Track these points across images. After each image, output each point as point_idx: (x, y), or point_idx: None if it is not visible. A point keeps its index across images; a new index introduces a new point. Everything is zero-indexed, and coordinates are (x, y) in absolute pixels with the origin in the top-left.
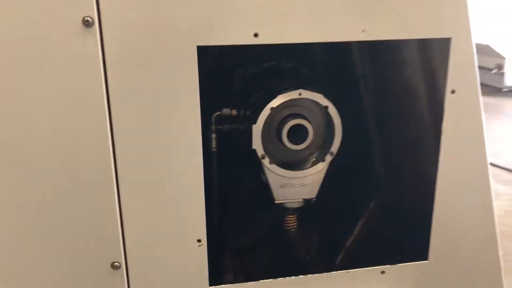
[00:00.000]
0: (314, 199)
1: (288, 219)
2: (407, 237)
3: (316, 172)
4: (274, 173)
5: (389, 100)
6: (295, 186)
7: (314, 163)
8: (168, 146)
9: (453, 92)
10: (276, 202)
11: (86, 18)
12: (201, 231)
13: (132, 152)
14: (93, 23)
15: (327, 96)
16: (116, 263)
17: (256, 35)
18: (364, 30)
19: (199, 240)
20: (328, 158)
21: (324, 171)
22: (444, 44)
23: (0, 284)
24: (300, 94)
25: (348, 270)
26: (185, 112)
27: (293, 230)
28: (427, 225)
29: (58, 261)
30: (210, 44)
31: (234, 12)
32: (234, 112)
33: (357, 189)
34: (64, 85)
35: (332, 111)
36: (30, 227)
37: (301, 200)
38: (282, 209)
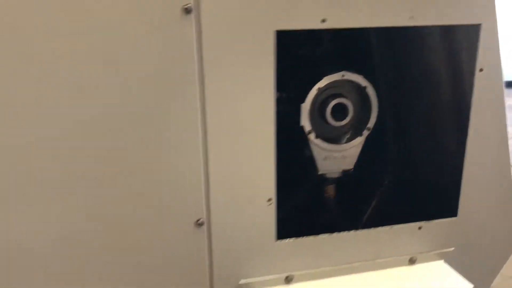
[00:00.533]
0: (352, 170)
1: (328, 188)
2: (440, 195)
3: (354, 146)
4: (318, 147)
5: (420, 81)
6: (336, 158)
7: (352, 138)
8: (247, 122)
9: (481, 70)
10: (319, 173)
11: (185, 6)
12: (271, 192)
13: (220, 126)
14: (192, 10)
15: (366, 77)
16: (200, 220)
17: (323, 20)
18: (412, 16)
19: (269, 200)
20: (365, 133)
21: (361, 145)
22: (473, 29)
23: (91, 239)
24: (343, 75)
25: (392, 226)
26: (263, 91)
27: (332, 198)
28: (457, 184)
29: (149, 218)
30: (286, 29)
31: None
32: (283, 93)
33: (391, 159)
34: (163, 66)
35: (370, 91)
36: (124, 187)
37: (341, 171)
38: (324, 179)
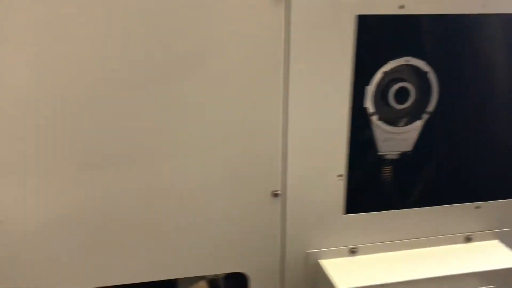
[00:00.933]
0: (410, 152)
1: (385, 169)
2: (497, 177)
3: (414, 129)
4: (379, 129)
5: (482, 70)
6: (396, 140)
7: (412, 121)
8: (326, 100)
9: None
10: (379, 153)
11: None
12: (342, 168)
13: (300, 105)
14: None
15: (429, 63)
16: (276, 192)
17: (401, 6)
18: (484, 4)
19: (339, 175)
20: (425, 116)
21: (420, 128)
22: None
23: (175, 207)
24: (407, 61)
25: (451, 205)
26: (341, 72)
27: (388, 179)
28: None
29: (230, 188)
30: (366, 13)
31: None
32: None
33: (449, 142)
34: (255, 47)
35: (432, 76)
36: (211, 159)
37: (400, 152)
38: (383, 160)
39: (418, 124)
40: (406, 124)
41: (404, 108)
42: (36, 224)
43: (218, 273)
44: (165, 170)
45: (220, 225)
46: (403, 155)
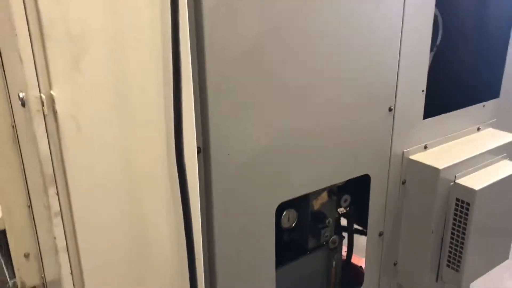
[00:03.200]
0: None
1: None
2: (485, 81)
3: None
4: None
5: (477, 16)
6: None
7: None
8: None
9: None
10: None
11: None
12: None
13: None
14: None
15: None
16: (391, 107)
17: None
18: None
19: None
20: (434, 49)
21: (431, 59)
22: None
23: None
24: None
25: (469, 106)
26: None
27: None
28: (501, 71)
29: (355, 104)
30: None
31: None
32: None
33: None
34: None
35: (440, 19)
36: (348, 85)
37: None
38: None
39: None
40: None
41: None
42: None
43: (355, 175)
44: (329, 98)
45: (352, 139)
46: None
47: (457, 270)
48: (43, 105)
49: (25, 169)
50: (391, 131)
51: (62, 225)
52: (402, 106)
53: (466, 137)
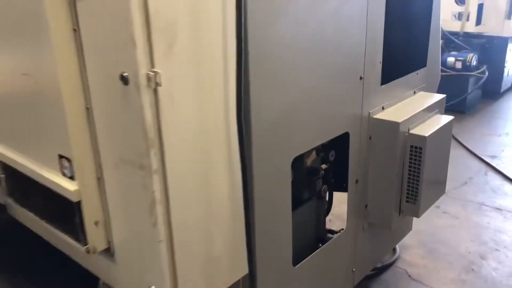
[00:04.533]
0: None
1: None
2: (418, 53)
3: None
4: None
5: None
6: None
7: None
8: None
9: None
10: None
11: None
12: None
13: None
14: None
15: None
16: (361, 76)
17: None
18: None
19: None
20: None
21: None
22: None
23: None
24: None
25: (407, 75)
26: None
27: None
28: (426, 43)
29: (337, 75)
30: None
31: None
32: None
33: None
34: None
35: None
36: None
37: None
38: None
39: None
40: None
41: None
42: None
43: (340, 133)
44: (321, 72)
45: (336, 104)
46: None
47: (414, 203)
48: (149, 81)
49: (98, 145)
50: (361, 95)
51: (159, 181)
52: (368, 75)
53: (407, 99)
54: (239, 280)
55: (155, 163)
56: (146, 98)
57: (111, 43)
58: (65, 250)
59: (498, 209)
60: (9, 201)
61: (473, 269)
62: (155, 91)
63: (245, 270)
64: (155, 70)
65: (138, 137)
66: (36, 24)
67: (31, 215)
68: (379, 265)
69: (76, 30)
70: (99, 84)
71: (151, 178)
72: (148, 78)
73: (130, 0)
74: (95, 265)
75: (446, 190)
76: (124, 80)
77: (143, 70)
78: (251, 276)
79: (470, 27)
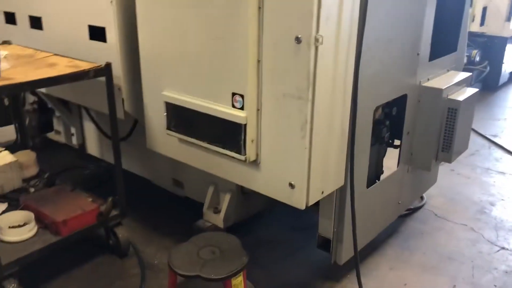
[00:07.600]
0: None
1: None
2: (448, 33)
3: None
4: None
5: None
6: None
7: None
8: None
9: None
10: None
11: None
12: None
13: None
14: None
15: None
16: (418, 53)
17: None
18: None
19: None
20: None
21: None
22: None
23: None
24: None
25: None
26: None
27: None
28: (459, 25)
29: (404, 52)
30: None
31: None
32: None
33: None
34: None
35: None
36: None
37: None
38: None
39: None
40: None
41: None
42: None
43: (403, 93)
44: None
45: (400, 71)
46: None
47: (448, 152)
48: (316, 41)
49: (262, 86)
50: (417, 67)
51: (310, 108)
52: (422, 52)
53: (443, 75)
54: (335, 190)
55: (310, 95)
56: (312, 53)
57: (291, 16)
58: (215, 170)
59: (502, 173)
60: (170, 133)
61: (485, 212)
62: (317, 48)
63: (342, 182)
64: (320, 34)
65: (302, 78)
66: (235, 4)
67: (192, 141)
68: (412, 207)
69: (260, 8)
70: (270, 44)
71: (306, 106)
72: (316, 40)
73: None
74: (241, 176)
75: (457, 159)
76: (298, 40)
77: (314, 33)
78: (343, 188)
79: (475, 27)
